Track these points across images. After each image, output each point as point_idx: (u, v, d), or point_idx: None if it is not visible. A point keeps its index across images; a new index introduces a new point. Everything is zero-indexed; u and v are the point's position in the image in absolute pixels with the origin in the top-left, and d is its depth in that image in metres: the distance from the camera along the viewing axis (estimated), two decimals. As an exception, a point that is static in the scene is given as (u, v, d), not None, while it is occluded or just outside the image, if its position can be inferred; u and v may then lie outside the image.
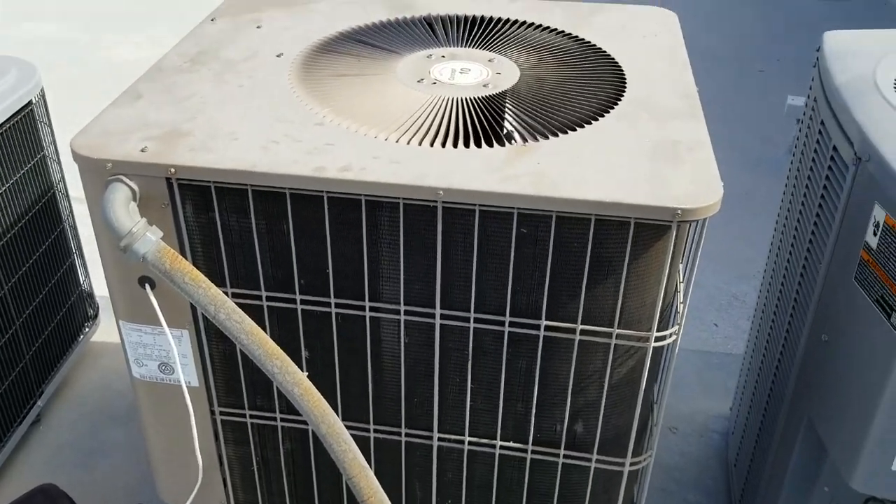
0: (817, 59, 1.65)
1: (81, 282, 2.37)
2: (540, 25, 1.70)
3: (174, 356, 1.42)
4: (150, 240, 1.18)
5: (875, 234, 1.26)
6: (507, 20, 1.72)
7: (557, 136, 1.29)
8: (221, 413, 1.49)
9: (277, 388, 1.41)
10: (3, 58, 2.06)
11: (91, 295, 2.45)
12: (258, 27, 1.67)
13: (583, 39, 1.64)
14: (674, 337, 1.30)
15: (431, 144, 1.26)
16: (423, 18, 1.73)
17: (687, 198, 1.14)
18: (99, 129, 1.30)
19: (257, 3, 1.79)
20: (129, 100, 1.39)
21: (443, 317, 1.30)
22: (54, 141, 2.15)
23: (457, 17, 1.74)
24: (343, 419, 1.31)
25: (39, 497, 1.83)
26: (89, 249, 1.93)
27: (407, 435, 1.45)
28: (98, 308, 2.49)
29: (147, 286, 1.34)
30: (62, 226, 2.22)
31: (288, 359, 1.17)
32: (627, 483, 1.44)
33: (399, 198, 1.19)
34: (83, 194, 1.29)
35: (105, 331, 2.52)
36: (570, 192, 1.15)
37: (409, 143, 1.26)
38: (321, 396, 1.17)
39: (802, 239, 1.56)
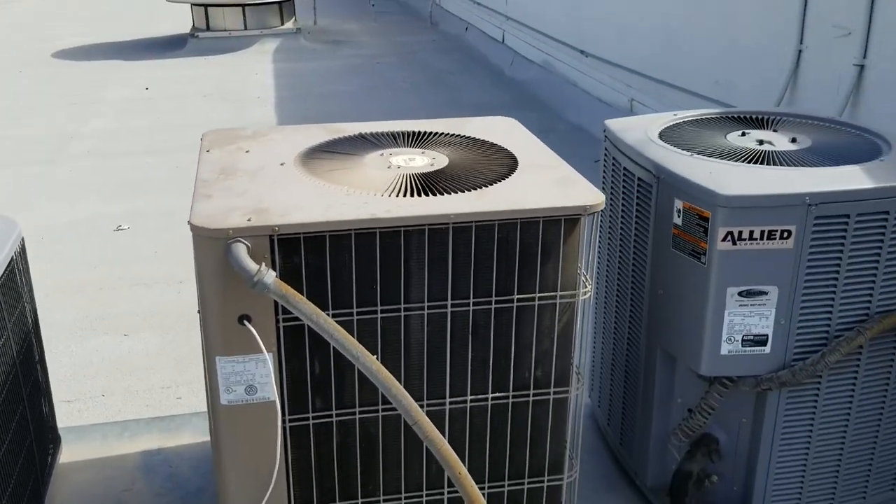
0: (605, 135, 2.62)
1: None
2: (438, 132, 2.50)
3: (262, 377, 1.93)
4: (271, 275, 1.76)
5: (679, 216, 2.18)
6: (416, 132, 2.51)
7: (492, 185, 2.07)
8: (290, 420, 2.00)
9: (335, 387, 1.98)
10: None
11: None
12: (247, 152, 2.29)
13: (471, 137, 2.47)
14: (588, 294, 2.09)
15: (420, 195, 1.98)
16: (360, 135, 2.46)
17: (589, 199, 1.97)
18: (203, 214, 1.85)
19: (229, 138, 2.41)
20: (204, 199, 1.95)
21: (452, 306, 1.98)
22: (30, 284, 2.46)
23: (384, 132, 2.49)
24: (385, 399, 1.91)
25: None
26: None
27: (427, 405, 2.07)
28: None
29: (246, 322, 1.87)
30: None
31: (371, 355, 1.77)
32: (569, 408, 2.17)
33: (426, 225, 1.89)
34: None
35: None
36: (523, 204, 1.93)
37: (406, 196, 1.97)
38: (396, 381, 1.79)
39: (629, 235, 2.46)
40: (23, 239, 2.43)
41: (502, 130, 2.55)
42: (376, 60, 10.66)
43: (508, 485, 2.21)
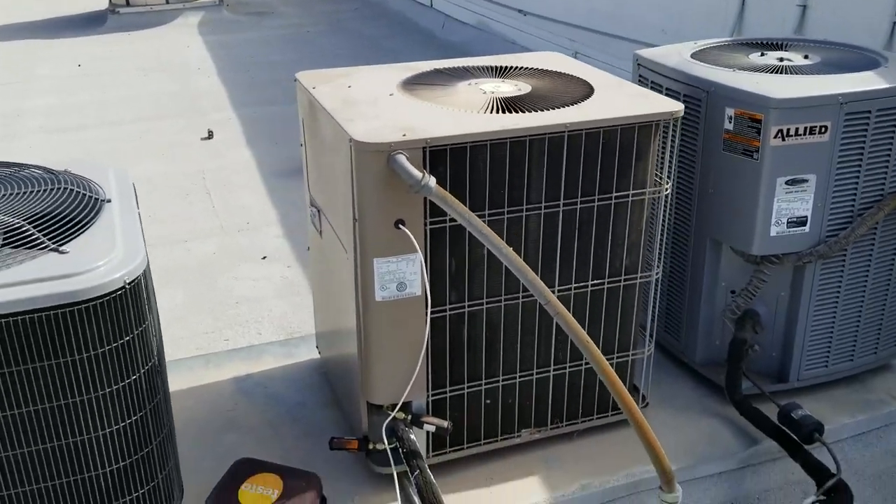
0: (639, 63, 2.99)
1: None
2: (510, 66, 2.79)
3: (411, 275, 2.21)
4: (433, 180, 2.05)
5: (730, 122, 2.58)
6: (489, 66, 2.79)
7: (581, 102, 2.40)
8: (432, 312, 2.29)
9: (468, 281, 2.29)
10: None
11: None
12: (349, 87, 2.54)
13: (539, 67, 2.78)
14: (668, 190, 2.46)
15: (519, 111, 2.30)
16: (441, 69, 2.74)
17: (674, 107, 2.33)
18: (361, 132, 2.11)
19: (322, 78, 2.63)
20: (350, 122, 2.19)
21: (564, 205, 2.31)
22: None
23: (459, 67, 2.77)
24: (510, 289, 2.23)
25: (243, 465, 2.41)
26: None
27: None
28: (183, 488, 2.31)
29: (401, 226, 2.15)
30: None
31: (509, 248, 2.08)
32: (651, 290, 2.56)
33: (546, 134, 2.21)
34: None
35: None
36: (624, 112, 2.28)
37: (512, 112, 2.28)
38: (529, 268, 2.10)
39: (686, 141, 2.83)
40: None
41: (557, 61, 2.87)
42: (305, 29, 10.74)
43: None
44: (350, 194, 2.17)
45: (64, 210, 2.11)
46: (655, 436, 2.10)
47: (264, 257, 4.65)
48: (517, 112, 2.29)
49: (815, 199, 2.58)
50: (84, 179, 2.31)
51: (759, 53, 2.92)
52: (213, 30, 10.78)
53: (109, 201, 2.23)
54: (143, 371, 2.03)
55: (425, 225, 2.20)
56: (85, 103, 7.61)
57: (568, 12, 7.35)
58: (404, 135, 2.10)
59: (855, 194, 2.62)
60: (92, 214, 2.13)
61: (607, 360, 2.56)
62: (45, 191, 2.18)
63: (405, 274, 2.22)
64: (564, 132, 2.23)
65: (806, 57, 2.87)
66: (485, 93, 2.48)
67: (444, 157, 2.15)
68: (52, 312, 1.82)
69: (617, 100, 2.41)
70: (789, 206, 2.57)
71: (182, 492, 2.34)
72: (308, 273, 4.37)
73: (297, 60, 9.11)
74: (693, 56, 2.90)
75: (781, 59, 2.84)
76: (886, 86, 2.52)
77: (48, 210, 2.09)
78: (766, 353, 2.85)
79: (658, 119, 2.32)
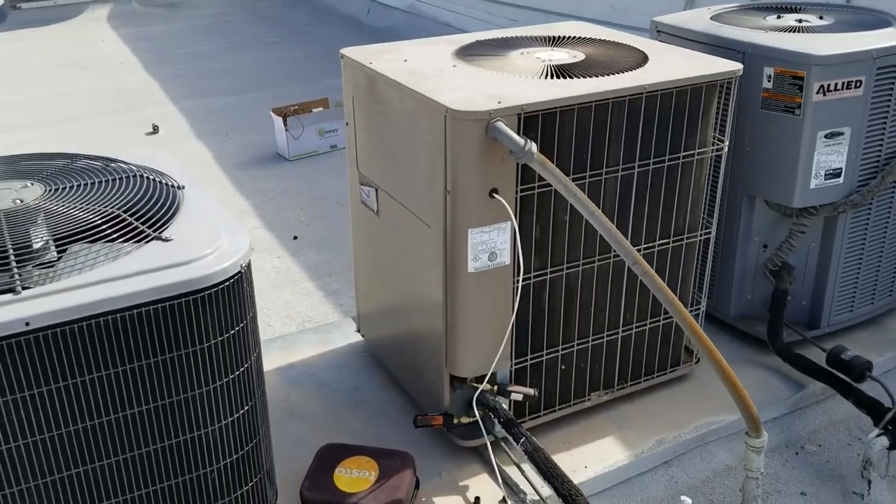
0: (658, 30, 3.06)
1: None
2: (568, 36, 2.80)
3: (502, 243, 2.20)
4: (534, 146, 2.05)
5: (769, 80, 2.68)
6: (535, 36, 2.80)
7: (641, 67, 2.44)
8: (517, 281, 2.29)
9: (551, 248, 2.30)
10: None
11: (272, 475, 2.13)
12: (405, 61, 2.49)
13: (581, 36, 2.80)
14: (725, 148, 2.54)
15: (584, 77, 2.33)
16: (488, 40, 2.72)
17: (733, 66, 2.41)
18: (456, 102, 2.08)
19: (371, 53, 2.57)
20: (434, 93, 2.15)
21: (639, 166, 2.36)
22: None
23: (504, 37, 2.77)
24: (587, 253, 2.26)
25: (330, 451, 2.37)
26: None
27: (614, 256, 2.44)
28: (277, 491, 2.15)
29: (496, 194, 2.14)
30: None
31: (600, 211, 2.11)
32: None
33: (626, 96, 2.24)
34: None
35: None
36: (693, 72, 2.33)
37: (572, 79, 2.31)
38: (618, 231, 2.14)
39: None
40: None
41: (591, 30, 2.91)
42: (225, 19, 10.41)
43: (662, 319, 2.64)
44: (440, 166, 2.14)
45: (149, 199, 2.01)
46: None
47: (251, 249, 4.50)
48: (581, 78, 2.31)
49: (849, 151, 2.71)
50: (150, 167, 2.20)
51: (776, 16, 3.04)
52: (125, 23, 10.30)
53: (183, 188, 2.13)
54: (253, 358, 1.96)
55: (516, 192, 2.20)
56: (5, 105, 7.15)
57: (508, -9, 7.42)
58: (499, 102, 2.09)
59: (881, 145, 2.77)
60: (174, 201, 2.03)
61: (668, 318, 2.64)
62: (120, 180, 2.07)
63: (496, 243, 2.22)
64: (643, 94, 2.27)
65: (821, 18, 3.01)
66: (543, 61, 2.49)
67: (535, 122, 2.15)
68: (174, 302, 1.73)
69: (675, 63, 2.47)
70: (827, 158, 2.70)
71: (275, 486, 2.26)
72: (302, 263, 4.28)
73: (225, 50, 8.84)
74: (714, 20, 2.99)
75: (800, 20, 2.97)
76: (911, 40, 2.68)
77: (133, 199, 1.98)
78: (796, 301, 2.99)
79: (721, 79, 2.39)
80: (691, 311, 2.71)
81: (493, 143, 2.08)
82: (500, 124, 2.05)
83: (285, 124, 5.53)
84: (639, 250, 2.47)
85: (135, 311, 1.69)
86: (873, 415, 2.58)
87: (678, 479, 2.55)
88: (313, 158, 5.69)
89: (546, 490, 2.27)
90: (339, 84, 2.68)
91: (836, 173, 2.73)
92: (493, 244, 2.21)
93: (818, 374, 2.75)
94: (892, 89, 2.69)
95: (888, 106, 2.71)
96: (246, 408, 1.96)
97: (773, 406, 2.78)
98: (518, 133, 2.10)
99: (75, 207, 1.89)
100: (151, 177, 2.11)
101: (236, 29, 9.83)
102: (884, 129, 2.75)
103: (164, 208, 1.97)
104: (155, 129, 6.34)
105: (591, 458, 2.51)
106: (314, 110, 5.72)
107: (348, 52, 2.60)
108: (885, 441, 2.46)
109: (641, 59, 2.49)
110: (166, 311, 1.73)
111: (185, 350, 1.78)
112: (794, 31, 2.83)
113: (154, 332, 1.73)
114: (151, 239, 1.85)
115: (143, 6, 11.17)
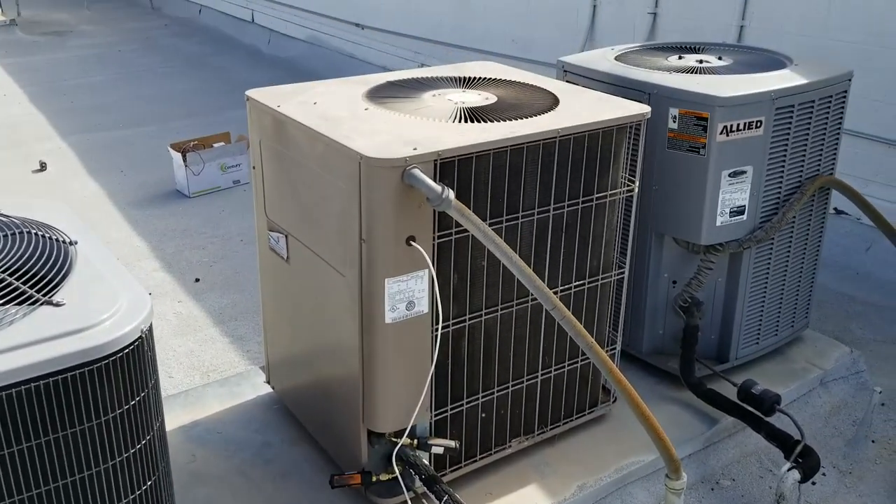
0: (565, 69, 3.08)
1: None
2: (479, 77, 2.77)
3: (419, 292, 2.14)
4: (452, 193, 2.00)
5: (674, 121, 2.73)
6: (446, 77, 2.76)
7: (552, 110, 2.44)
8: (436, 330, 2.23)
9: (469, 294, 2.26)
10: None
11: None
12: (315, 103, 2.41)
13: (492, 77, 2.78)
14: (635, 189, 2.56)
15: (496, 121, 2.31)
16: (397, 81, 2.67)
17: (643, 109, 2.43)
18: (371, 149, 2.01)
19: (278, 96, 2.48)
20: (348, 139, 2.08)
21: (553, 209, 2.34)
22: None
23: (415, 78, 2.72)
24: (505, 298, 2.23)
25: None
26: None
27: (531, 299, 2.41)
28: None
29: (413, 242, 2.08)
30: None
31: (518, 257, 2.09)
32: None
33: (540, 140, 2.22)
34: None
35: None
36: (606, 115, 2.34)
37: (491, 122, 2.29)
38: (537, 276, 2.12)
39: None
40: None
41: (499, 70, 2.90)
42: (117, 48, 10.03)
43: (580, 360, 2.63)
44: (355, 214, 2.07)
45: (37, 258, 1.85)
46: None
47: (149, 294, 4.28)
48: (494, 122, 2.28)
49: (751, 188, 2.79)
50: (36, 221, 2.03)
51: (678, 56, 3.12)
52: (9, 52, 9.79)
53: (75, 243, 1.97)
54: (156, 428, 1.82)
55: (433, 240, 2.14)
56: None
57: (410, 25, 7.42)
58: (415, 148, 2.03)
59: (781, 182, 2.86)
60: (66, 260, 1.88)
61: (585, 359, 2.63)
62: (3, 237, 1.89)
63: (414, 292, 2.15)
64: (556, 137, 2.26)
65: (720, 58, 3.10)
66: (455, 103, 2.46)
67: (451, 168, 2.10)
68: (66, 375, 1.58)
69: (586, 105, 2.47)
70: (731, 196, 2.76)
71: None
72: (205, 307, 4.10)
73: (118, 81, 8.50)
74: (618, 60, 3.04)
75: (700, 62, 3.05)
76: (806, 81, 2.78)
77: (19, 259, 1.82)
78: (705, 336, 3.04)
79: (630, 121, 2.41)
80: (607, 351, 2.71)
81: (409, 191, 2.02)
82: (417, 171, 1.99)
83: (185, 160, 5.32)
84: (555, 292, 2.45)
85: (22, 386, 1.54)
86: (784, 447, 2.63)
87: (601, 523, 2.53)
88: (215, 195, 5.50)
89: (470, 545, 2.19)
90: (241, 116, 2.58)
91: (740, 210, 2.80)
92: (410, 293, 2.14)
93: (730, 409, 2.79)
94: (789, 129, 2.79)
95: (786, 145, 2.81)
96: (149, 483, 1.81)
97: (689, 443, 2.80)
98: (434, 180, 2.05)
99: (-49, 271, 1.71)
100: (38, 232, 1.95)
101: (129, 59, 9.49)
102: (783, 167, 2.84)
103: (55, 268, 1.82)
104: (43, 167, 6.00)
105: (514, 507, 2.45)
106: (215, 145, 5.54)
107: (254, 93, 2.50)
108: (796, 475, 2.51)
109: (552, 102, 2.49)
110: (58, 385, 1.58)
111: (81, 426, 1.63)
112: (696, 73, 2.90)
113: (45, 409, 1.57)
114: (41, 304, 1.69)
115: (29, 34, 10.67)
